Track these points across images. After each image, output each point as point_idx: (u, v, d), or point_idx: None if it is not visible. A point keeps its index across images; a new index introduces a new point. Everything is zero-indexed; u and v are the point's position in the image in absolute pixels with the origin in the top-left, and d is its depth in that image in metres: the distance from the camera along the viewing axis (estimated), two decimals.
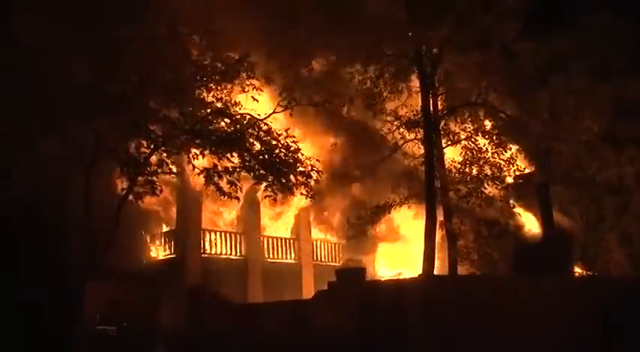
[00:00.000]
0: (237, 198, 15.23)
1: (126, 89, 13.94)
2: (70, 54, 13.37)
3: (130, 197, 14.53)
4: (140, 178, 14.35)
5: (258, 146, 15.14)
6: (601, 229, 20.92)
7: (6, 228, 15.95)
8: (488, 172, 18.41)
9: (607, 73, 17.94)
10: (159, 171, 14.52)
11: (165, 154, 14.55)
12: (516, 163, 18.64)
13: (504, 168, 18.44)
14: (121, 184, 15.09)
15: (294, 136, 15.31)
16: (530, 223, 21.71)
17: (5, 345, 15.98)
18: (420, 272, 17.06)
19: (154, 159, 14.53)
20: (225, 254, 21.41)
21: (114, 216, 14.82)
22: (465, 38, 17.06)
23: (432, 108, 17.98)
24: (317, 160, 15.78)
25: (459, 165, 18.56)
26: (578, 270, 21.64)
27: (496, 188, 18.65)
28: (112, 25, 13.83)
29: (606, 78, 17.86)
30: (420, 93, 17.99)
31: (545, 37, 17.84)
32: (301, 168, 15.25)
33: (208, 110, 15.22)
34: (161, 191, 14.85)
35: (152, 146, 14.55)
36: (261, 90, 15.75)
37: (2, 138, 13.40)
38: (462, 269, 18.43)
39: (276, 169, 15.03)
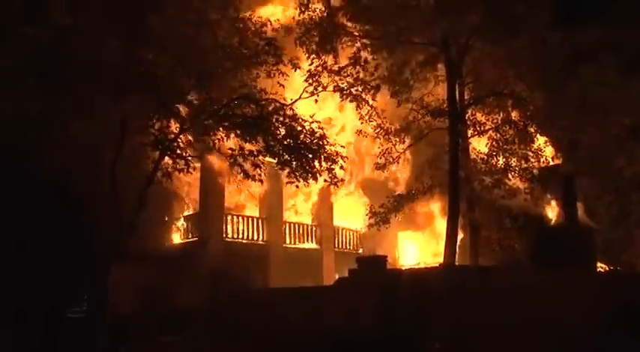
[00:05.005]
0: (262, 181, 15.33)
1: (155, 70, 14.05)
2: (102, 36, 13.51)
3: (159, 175, 14.69)
4: (168, 157, 14.50)
5: (283, 131, 15.18)
6: (627, 224, 20.66)
7: (35, 207, 16.17)
8: (514, 163, 18.24)
9: (639, 65, 17.64)
10: (186, 152, 14.65)
11: (191, 137, 14.67)
12: (544, 154, 18.42)
13: (532, 159, 18.24)
14: (149, 165, 15.24)
15: (319, 121, 15.31)
16: (553, 216, 21.53)
17: (29, 324, 16.26)
18: (442, 262, 17.01)
19: (183, 138, 14.68)
20: (248, 239, 21.53)
21: (139, 197, 14.97)
22: (494, 27, 16.85)
23: (458, 98, 17.83)
24: (342, 146, 15.78)
25: (485, 156, 18.41)
26: (601, 265, 21.43)
27: (520, 180, 18.47)
28: (144, 9, 13.95)
29: (638, 70, 17.55)
30: (446, 82, 17.83)
31: (576, 26, 17.55)
32: (325, 155, 15.26)
33: (234, 95, 15.29)
34: (195, 169, 15.01)
35: (179, 127, 14.68)
36: (287, 75, 15.77)
37: (33, 117, 13.61)
38: (483, 260, 18.34)
39: (301, 155, 15.05)
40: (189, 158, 15.07)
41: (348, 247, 24.29)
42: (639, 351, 14.86)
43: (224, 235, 20.96)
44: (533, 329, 14.29)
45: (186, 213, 21.79)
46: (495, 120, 18.39)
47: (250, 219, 21.89)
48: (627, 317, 15.18)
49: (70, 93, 13.38)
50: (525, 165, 18.27)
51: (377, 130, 18.63)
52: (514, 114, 18.41)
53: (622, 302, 15.53)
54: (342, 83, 16.54)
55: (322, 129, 15.34)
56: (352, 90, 16.70)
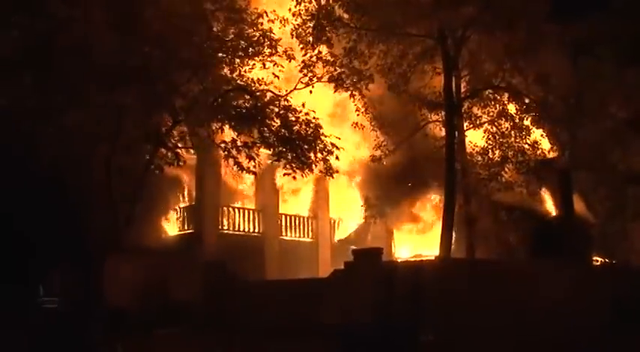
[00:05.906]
0: (255, 174, 15.29)
1: (149, 63, 13.97)
2: (97, 28, 13.43)
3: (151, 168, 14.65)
4: (162, 150, 14.45)
5: (278, 122, 15.12)
6: (622, 218, 20.69)
7: (30, 203, 16.11)
8: (511, 156, 18.19)
9: (637, 57, 17.61)
10: (179, 145, 14.60)
11: (186, 128, 14.61)
12: (541, 147, 18.38)
13: (528, 152, 18.21)
14: (144, 157, 15.18)
15: (314, 111, 15.24)
16: (549, 209, 21.54)
17: (25, 317, 16.23)
18: (437, 255, 17.01)
19: (176, 132, 14.62)
20: (243, 230, 21.50)
21: (134, 190, 14.93)
22: (491, 19, 16.78)
23: (454, 90, 17.78)
24: (337, 138, 15.72)
25: (481, 149, 18.37)
26: (597, 258, 21.46)
27: (517, 173, 18.45)
28: (140, 0, 13.90)
29: (636, 63, 17.54)
30: (443, 75, 17.76)
31: (573, 19, 17.50)
32: (321, 146, 15.21)
33: (229, 86, 15.22)
34: (185, 163, 14.95)
35: (174, 119, 14.61)
36: (282, 66, 15.69)
37: (28, 112, 13.55)
38: (479, 254, 18.34)
39: (296, 146, 15.00)
40: (183, 150, 15.04)
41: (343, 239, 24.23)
42: (633, 342, 14.91)
43: (220, 227, 20.93)
44: (528, 321, 14.32)
45: (182, 205, 21.73)
46: (492, 113, 18.34)
47: (246, 211, 21.86)
48: (621, 309, 15.25)
49: (65, 85, 13.30)
50: (522, 159, 18.24)
51: (373, 122, 18.58)
52: (510, 107, 18.37)
53: (617, 295, 15.58)
54: (336, 72, 16.40)
55: (317, 119, 15.27)
56: (346, 80, 16.56)
